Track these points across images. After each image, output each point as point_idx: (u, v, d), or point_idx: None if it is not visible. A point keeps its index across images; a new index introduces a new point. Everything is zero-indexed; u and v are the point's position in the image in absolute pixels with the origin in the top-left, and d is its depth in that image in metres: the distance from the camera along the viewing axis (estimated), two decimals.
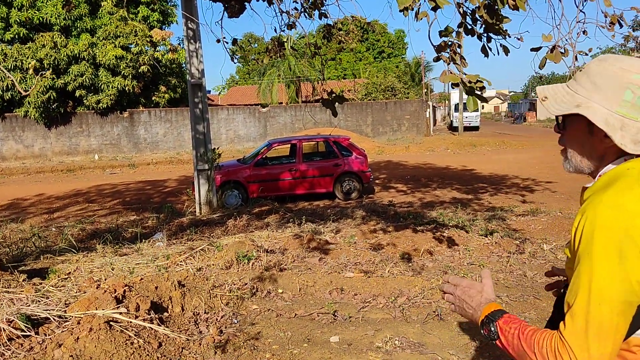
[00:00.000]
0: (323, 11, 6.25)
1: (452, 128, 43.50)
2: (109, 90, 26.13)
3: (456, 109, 41.64)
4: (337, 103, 6.18)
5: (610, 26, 5.04)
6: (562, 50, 4.73)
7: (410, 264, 6.04)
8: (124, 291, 4.20)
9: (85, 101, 26.63)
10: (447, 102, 56.10)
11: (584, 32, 5.15)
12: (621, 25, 5.08)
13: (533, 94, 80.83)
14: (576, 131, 1.37)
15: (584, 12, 5.06)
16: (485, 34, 4.90)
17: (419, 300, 4.96)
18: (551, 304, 4.66)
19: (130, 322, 3.89)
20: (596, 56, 1.47)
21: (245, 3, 5.07)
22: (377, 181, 15.25)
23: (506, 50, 4.97)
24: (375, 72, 44.83)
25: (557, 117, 1.41)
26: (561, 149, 1.45)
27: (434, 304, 4.86)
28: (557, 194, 11.38)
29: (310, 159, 13.14)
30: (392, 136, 32.16)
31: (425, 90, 47.69)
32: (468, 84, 3.95)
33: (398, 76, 43.04)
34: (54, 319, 4.06)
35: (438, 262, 6.15)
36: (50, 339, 3.75)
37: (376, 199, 12.06)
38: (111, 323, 3.81)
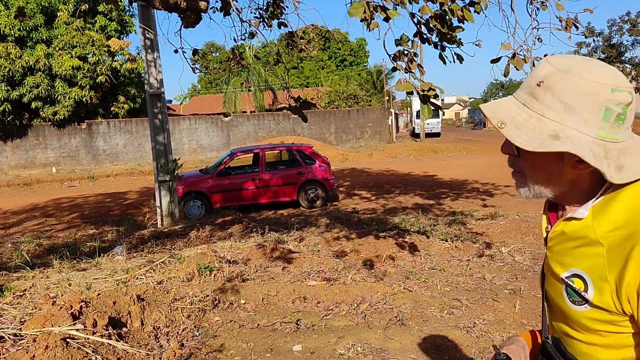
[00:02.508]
0: (282, 20, 6.28)
1: (415, 135, 44.15)
2: (65, 101, 25.53)
3: (418, 116, 42.30)
4: (305, 109, 6.20)
5: (566, 28, 5.21)
6: (522, 57, 4.88)
7: (372, 271, 6.08)
8: (81, 307, 4.10)
9: (41, 113, 25.94)
10: (409, 109, 56.87)
11: (538, 39, 5.32)
12: (577, 28, 5.26)
13: (492, 100, 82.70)
14: (541, 157, 1.16)
15: (537, 21, 5.24)
16: (440, 43, 5.03)
17: (381, 306, 5.00)
18: (509, 306, 4.74)
19: (88, 338, 3.80)
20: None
21: (202, 13, 5.06)
22: (341, 188, 15.33)
23: (460, 59, 5.10)
24: (337, 80, 45.14)
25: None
26: (513, 171, 1.25)
27: (396, 309, 4.91)
28: (515, 197, 11.66)
29: (274, 168, 13.13)
30: (356, 144, 32.43)
31: (387, 97, 48.26)
32: (422, 92, 4.03)
33: (360, 84, 43.51)
34: (8, 337, 3.93)
35: (400, 267, 6.22)
36: (5, 358, 3.64)
37: (340, 207, 12.13)
38: (68, 340, 3.71)
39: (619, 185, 1.11)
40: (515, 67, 4.73)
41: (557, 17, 5.14)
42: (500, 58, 4.84)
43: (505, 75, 4.92)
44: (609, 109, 1.07)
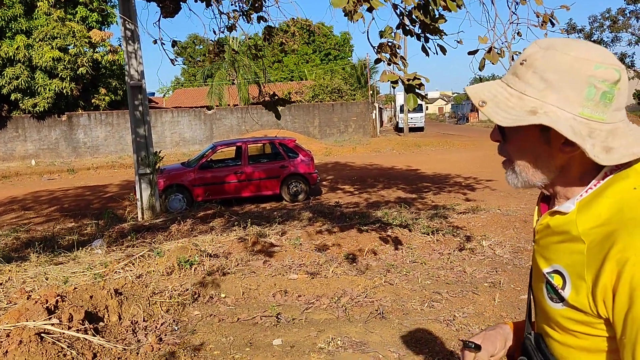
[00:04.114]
0: (262, 14, 6.21)
1: (398, 129, 44.31)
2: (46, 93, 25.13)
3: (401, 110, 42.46)
4: (279, 106, 6.15)
5: (542, 25, 5.24)
6: (499, 51, 4.88)
7: (354, 264, 6.07)
8: (57, 301, 4.03)
9: (21, 105, 25.53)
10: (393, 103, 56.99)
11: (518, 33, 5.34)
12: (553, 24, 5.28)
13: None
14: (526, 141, 1.11)
15: (516, 15, 5.25)
16: (422, 34, 5.01)
17: (362, 299, 4.99)
18: (489, 299, 4.75)
19: (63, 333, 3.74)
20: None
21: (181, 3, 4.98)
22: (324, 182, 15.31)
23: (443, 50, 5.09)
24: (321, 74, 45.05)
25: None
26: (503, 160, 1.20)
27: (377, 302, 4.90)
28: (496, 191, 11.75)
29: (257, 161, 13.05)
30: (340, 137, 32.41)
31: (372, 92, 48.26)
32: (407, 82, 4.01)
33: (344, 78, 43.41)
34: None
35: (382, 261, 6.22)
36: None
37: (323, 200, 12.10)
38: (42, 335, 3.64)
39: (609, 179, 1.06)
40: (490, 61, 4.73)
41: (534, 13, 5.16)
42: (477, 50, 4.84)
43: (480, 69, 4.91)
44: (592, 85, 1.01)
